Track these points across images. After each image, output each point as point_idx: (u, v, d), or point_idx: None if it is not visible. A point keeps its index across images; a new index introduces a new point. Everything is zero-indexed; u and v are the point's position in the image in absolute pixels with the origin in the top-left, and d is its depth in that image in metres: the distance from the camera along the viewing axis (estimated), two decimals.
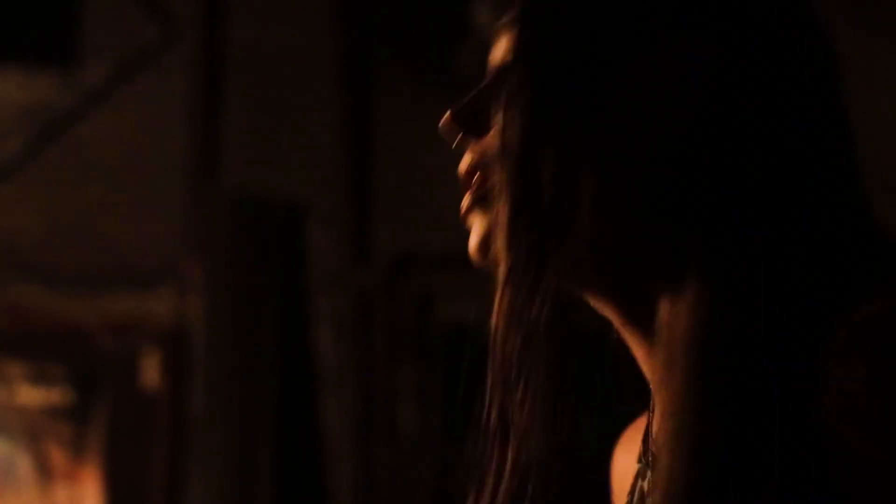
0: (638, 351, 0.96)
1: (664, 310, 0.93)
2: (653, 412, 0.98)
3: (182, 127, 5.13)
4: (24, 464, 5.55)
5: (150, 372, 5.45)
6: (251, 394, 4.08)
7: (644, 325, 0.96)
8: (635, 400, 1.13)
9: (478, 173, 0.99)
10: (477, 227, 1.00)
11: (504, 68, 0.99)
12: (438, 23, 5.60)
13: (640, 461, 1.01)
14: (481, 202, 0.98)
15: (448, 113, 1.02)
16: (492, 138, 0.97)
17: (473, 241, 1.01)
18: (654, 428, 0.94)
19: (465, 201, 1.00)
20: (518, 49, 0.97)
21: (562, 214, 0.91)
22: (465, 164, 1.01)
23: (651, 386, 0.96)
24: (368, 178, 5.28)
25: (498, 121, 0.95)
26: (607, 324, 1.02)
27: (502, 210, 0.93)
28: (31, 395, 5.64)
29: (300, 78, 5.63)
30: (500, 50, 1.03)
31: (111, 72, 5.22)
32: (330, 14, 5.44)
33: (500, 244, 0.94)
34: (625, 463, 1.09)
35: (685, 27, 0.93)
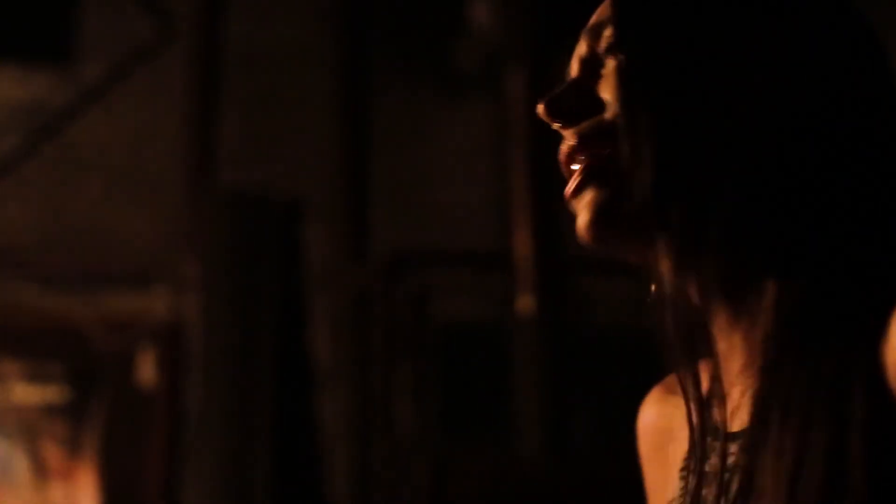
0: (724, 320, 0.98)
1: (764, 292, 0.96)
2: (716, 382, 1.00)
3: (179, 124, 5.13)
4: (20, 462, 5.55)
5: (147, 369, 5.45)
6: (247, 391, 4.07)
7: (735, 303, 0.99)
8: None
9: (586, 152, 1.02)
10: (590, 203, 1.02)
11: (615, 49, 1.03)
12: (435, 21, 5.60)
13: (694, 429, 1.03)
14: (593, 179, 1.01)
15: (542, 104, 1.06)
16: (609, 115, 1.01)
17: (587, 217, 1.02)
18: (734, 393, 0.96)
19: (574, 182, 1.03)
20: (640, 38, 1.01)
21: (708, 194, 0.96)
22: (570, 141, 1.04)
23: (720, 360, 0.98)
24: (365, 176, 5.29)
25: (616, 98, 1.01)
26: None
27: (644, 178, 0.97)
28: (27, 394, 5.64)
29: (297, 76, 5.63)
30: (579, 50, 1.08)
31: (108, 69, 5.22)
32: (327, 12, 5.44)
33: (648, 211, 0.97)
34: (656, 418, 1.16)
35: (787, 22, 0.99)
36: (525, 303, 4.76)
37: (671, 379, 1.09)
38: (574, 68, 1.07)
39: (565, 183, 1.05)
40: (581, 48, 1.07)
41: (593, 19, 1.08)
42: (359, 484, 4.81)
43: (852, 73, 0.97)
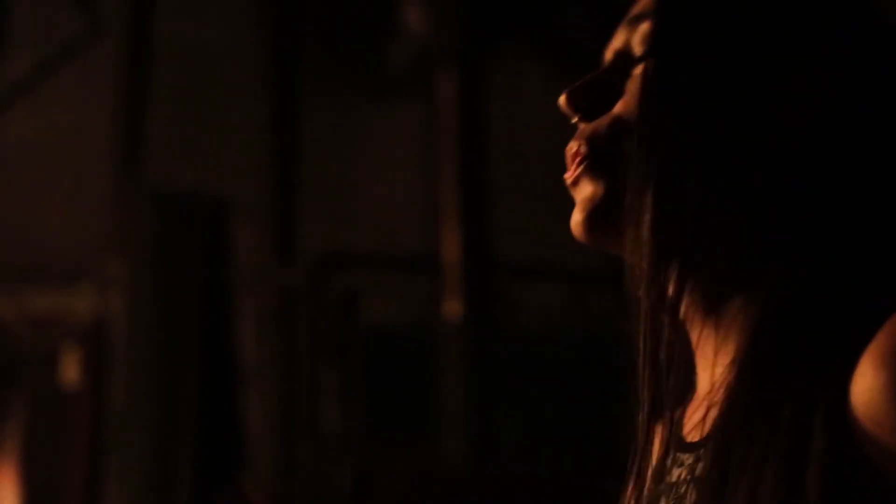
0: (699, 330, 0.98)
1: (743, 308, 0.96)
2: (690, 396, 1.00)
3: (106, 121, 5.10)
4: None
5: (70, 368, 5.40)
6: (172, 391, 4.05)
7: (718, 308, 0.98)
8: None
9: (592, 142, 1.01)
10: (585, 200, 1.01)
11: (642, 55, 1.02)
12: (366, 23, 5.60)
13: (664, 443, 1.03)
14: (590, 172, 1.01)
15: (564, 94, 1.04)
16: (625, 113, 1.00)
17: (582, 213, 1.01)
18: (701, 406, 0.96)
19: (574, 171, 1.02)
20: (668, 39, 1.00)
21: (710, 196, 0.96)
22: (581, 136, 1.03)
23: (700, 368, 0.98)
24: (294, 175, 5.27)
25: (640, 99, 0.99)
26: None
27: (645, 181, 0.96)
28: None
29: (226, 74, 5.61)
30: (617, 40, 1.06)
31: (35, 65, 5.17)
32: (257, 10, 5.42)
33: (646, 219, 0.96)
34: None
35: (816, 34, 0.98)
36: (452, 306, 4.77)
37: None
38: (607, 57, 1.06)
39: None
40: (618, 39, 1.05)
41: (635, 9, 1.05)
42: (282, 484, 4.79)
43: (883, 94, 0.97)
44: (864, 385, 0.83)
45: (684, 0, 1.00)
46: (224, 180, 5.11)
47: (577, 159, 1.01)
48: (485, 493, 4.61)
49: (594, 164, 1.00)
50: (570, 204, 1.03)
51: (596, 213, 1.00)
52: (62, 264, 5.44)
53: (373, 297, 5.24)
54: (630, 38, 1.04)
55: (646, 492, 1.00)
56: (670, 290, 0.97)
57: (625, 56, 1.04)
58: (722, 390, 0.93)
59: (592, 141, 1.01)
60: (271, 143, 5.29)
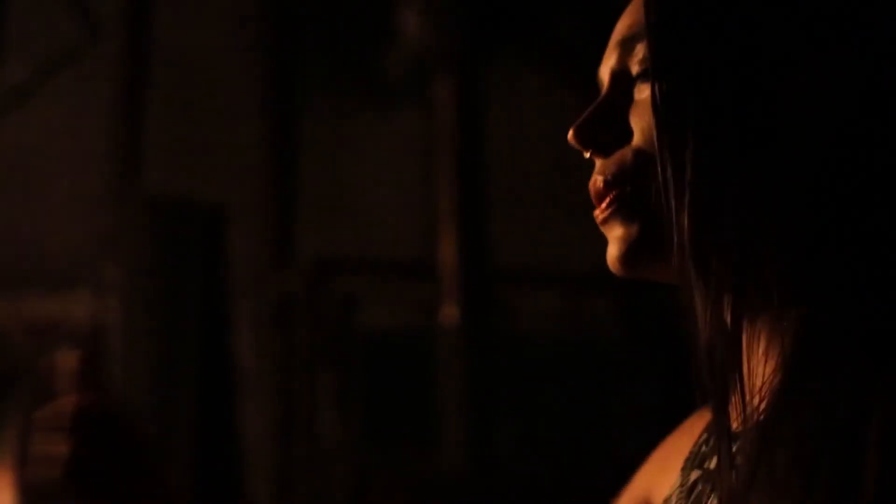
0: (747, 350, 0.98)
1: (790, 315, 0.95)
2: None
3: (103, 127, 5.09)
4: None
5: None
6: (169, 397, 4.05)
7: (765, 313, 0.97)
8: None
9: (612, 184, 1.00)
10: (620, 239, 1.00)
11: (642, 76, 1.00)
12: (363, 29, 5.60)
13: (707, 430, 1.04)
14: (623, 212, 1.00)
15: (572, 129, 1.02)
16: (646, 147, 0.98)
17: (618, 252, 1.00)
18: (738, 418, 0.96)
19: (603, 213, 1.01)
20: (668, 59, 0.97)
21: (745, 230, 0.94)
22: (603, 173, 1.01)
23: (742, 368, 0.98)
24: (291, 181, 5.27)
25: (647, 133, 0.98)
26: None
27: (683, 225, 0.94)
28: None
29: (223, 80, 5.61)
30: (610, 61, 1.04)
31: (32, 70, 5.17)
32: (255, 17, 5.42)
33: (685, 258, 0.94)
34: (686, 442, 1.11)
35: (826, 43, 0.96)
36: (449, 312, 4.77)
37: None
38: (604, 80, 1.04)
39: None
40: (611, 59, 1.04)
41: (624, 29, 1.03)
42: (279, 491, 4.79)
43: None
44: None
45: (679, 14, 0.97)
46: (221, 186, 5.11)
47: (607, 200, 1.00)
48: (482, 497, 4.61)
49: (624, 205, 0.99)
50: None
51: (632, 252, 0.99)
52: (59, 269, 5.43)
53: (370, 303, 5.24)
54: (626, 59, 1.02)
55: (690, 477, 1.00)
56: (728, 319, 0.96)
57: (623, 78, 1.02)
58: (768, 386, 0.93)
59: (619, 180, 1.00)
60: (268, 149, 5.29)
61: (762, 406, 0.93)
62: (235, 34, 5.50)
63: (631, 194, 0.99)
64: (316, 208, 5.42)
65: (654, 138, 0.96)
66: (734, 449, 0.94)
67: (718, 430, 0.97)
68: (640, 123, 0.99)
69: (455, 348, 4.74)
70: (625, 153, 1.00)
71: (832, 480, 0.84)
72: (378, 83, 5.70)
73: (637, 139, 0.99)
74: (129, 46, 5.08)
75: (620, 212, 1.00)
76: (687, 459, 1.06)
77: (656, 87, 0.96)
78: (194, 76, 5.61)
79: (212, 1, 5.62)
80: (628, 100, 1.01)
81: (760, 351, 0.97)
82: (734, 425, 0.96)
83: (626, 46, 1.02)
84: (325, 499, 4.72)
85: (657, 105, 0.96)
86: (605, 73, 1.04)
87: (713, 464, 0.99)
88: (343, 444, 4.87)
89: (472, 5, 5.11)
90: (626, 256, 1.00)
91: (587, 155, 1.03)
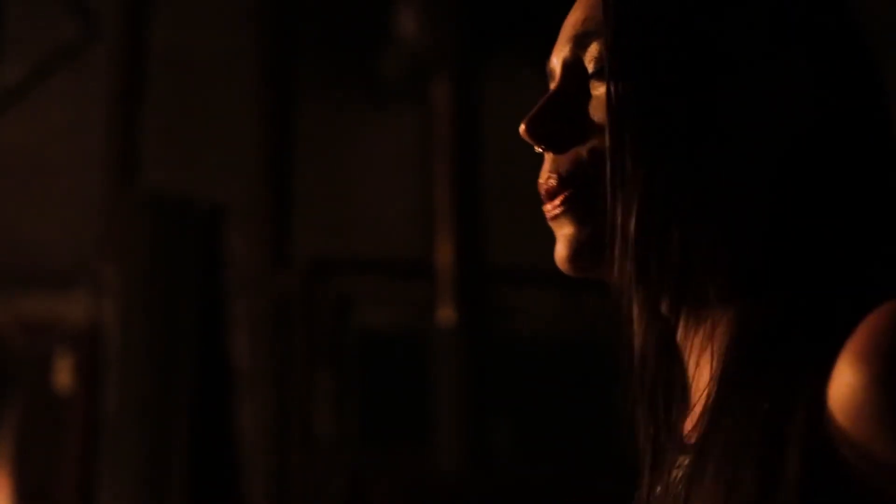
0: (688, 338, 0.98)
1: (727, 314, 0.96)
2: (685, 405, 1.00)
3: (101, 126, 5.09)
4: None
5: (64, 373, 5.40)
6: (165, 396, 4.05)
7: (703, 316, 0.98)
8: None
9: (566, 182, 0.99)
10: (569, 239, 0.99)
11: (595, 74, 1.00)
12: (361, 29, 5.60)
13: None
14: (574, 212, 0.99)
15: (525, 122, 1.01)
16: (599, 149, 0.98)
17: (565, 251, 1.00)
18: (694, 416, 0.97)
19: (557, 209, 0.99)
20: (622, 55, 0.97)
21: (691, 228, 0.94)
22: (556, 172, 1.00)
23: (692, 373, 0.97)
24: (288, 181, 5.27)
25: (597, 133, 0.97)
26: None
27: (629, 226, 0.94)
28: None
29: (221, 80, 5.61)
30: (563, 53, 1.03)
31: (30, 69, 5.17)
32: (253, 17, 5.42)
33: (623, 255, 0.95)
34: None
35: (780, 38, 0.96)
36: (446, 312, 4.77)
37: None
38: (556, 72, 1.03)
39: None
40: (564, 51, 1.02)
41: (578, 24, 1.01)
42: (276, 490, 4.79)
43: (850, 109, 0.96)
44: (841, 383, 0.83)
45: (637, 17, 0.97)
46: (218, 186, 5.11)
47: (560, 198, 0.99)
48: (479, 497, 4.61)
49: (577, 205, 0.98)
50: None
51: (580, 251, 0.99)
52: (56, 269, 5.44)
53: (367, 303, 5.24)
54: (580, 53, 1.01)
55: (652, 494, 1.00)
56: (665, 312, 0.98)
57: (577, 71, 1.01)
58: (707, 392, 0.94)
59: (572, 179, 0.99)
60: (266, 149, 5.29)
61: (702, 418, 0.93)
62: (233, 35, 5.51)
63: (585, 194, 0.98)
64: (313, 209, 5.43)
65: (608, 138, 0.96)
66: (688, 461, 0.94)
67: (645, 442, 0.99)
68: (592, 124, 0.98)
69: (452, 348, 4.75)
70: (580, 151, 0.99)
71: (753, 483, 0.85)
72: (376, 84, 5.71)
73: (589, 141, 0.98)
74: (127, 46, 5.08)
75: (572, 211, 0.99)
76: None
77: (612, 88, 0.96)
78: (192, 76, 5.61)
79: (210, 1, 5.62)
80: (583, 95, 1.00)
81: (699, 361, 0.97)
82: (688, 437, 0.96)
83: (580, 42, 1.01)
84: (321, 499, 4.72)
85: (612, 105, 0.96)
86: (556, 64, 1.03)
87: (673, 477, 0.97)
88: (340, 444, 4.87)
89: (469, 7, 5.11)
90: (576, 256, 0.99)
91: (538, 149, 1.02)
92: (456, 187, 4.94)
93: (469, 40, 5.09)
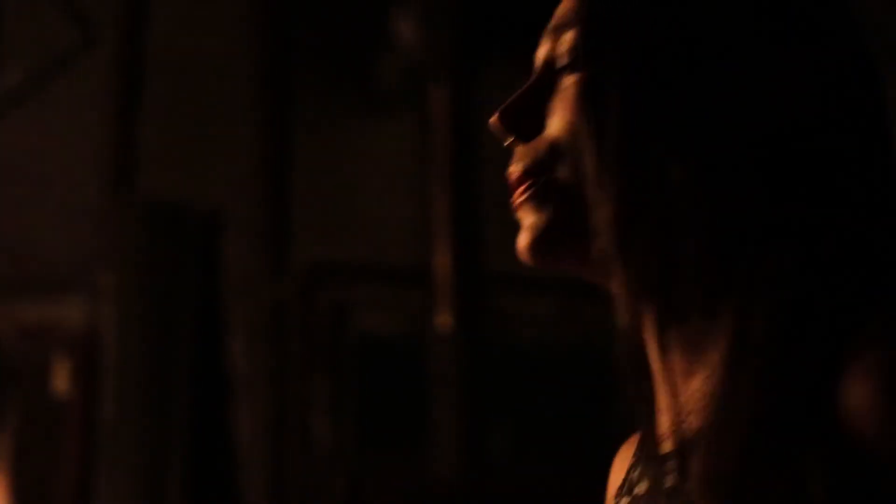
0: (662, 349, 0.96)
1: (723, 318, 0.93)
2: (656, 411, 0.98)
3: (98, 132, 5.09)
4: None
5: (61, 379, 5.40)
6: (162, 402, 4.05)
7: (681, 326, 0.96)
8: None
9: (529, 172, 0.99)
10: (532, 227, 0.99)
11: (570, 66, 0.99)
12: (359, 36, 5.61)
13: (634, 456, 1.02)
14: (535, 200, 0.99)
15: (496, 113, 1.02)
16: (563, 137, 0.98)
17: (527, 240, 1.00)
18: (666, 423, 0.94)
19: (520, 197, 1.00)
20: (597, 48, 0.97)
21: (675, 217, 0.93)
22: (521, 162, 1.00)
23: (665, 387, 0.95)
24: (285, 187, 5.27)
25: (574, 120, 0.96)
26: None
27: (606, 211, 0.93)
28: None
29: (218, 86, 5.61)
30: (544, 47, 1.02)
31: (28, 75, 5.17)
32: (250, 23, 5.42)
33: (611, 243, 0.94)
34: (620, 472, 1.09)
35: (766, 35, 0.95)
36: (443, 318, 4.77)
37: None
38: (536, 66, 1.03)
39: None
40: (545, 46, 1.02)
41: (556, 18, 1.01)
42: (274, 497, 4.79)
43: (836, 107, 0.94)
44: (856, 394, 0.82)
45: (609, 6, 0.97)
46: (216, 192, 5.11)
47: (521, 188, 0.99)
48: (476, 503, 4.61)
49: (535, 194, 0.98)
50: None
51: (540, 241, 0.99)
52: (53, 275, 5.43)
53: (364, 310, 5.24)
54: (555, 47, 1.01)
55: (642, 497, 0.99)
56: (647, 323, 0.96)
57: (551, 66, 1.01)
58: (701, 401, 0.91)
59: (535, 170, 0.99)
60: (263, 156, 5.29)
61: (692, 425, 0.92)
62: (231, 41, 5.51)
63: (544, 184, 0.98)
64: (310, 215, 5.43)
65: (572, 129, 0.96)
66: (660, 471, 0.93)
67: (644, 449, 0.97)
68: (558, 114, 0.98)
69: (449, 355, 4.75)
70: (540, 143, 0.99)
71: (782, 498, 0.83)
72: (373, 90, 5.71)
73: (552, 130, 0.98)
74: (125, 52, 5.08)
75: (533, 200, 0.99)
76: (620, 487, 1.04)
77: (581, 77, 0.96)
78: (189, 82, 5.61)
79: (207, 7, 5.62)
80: (554, 88, 1.00)
81: (685, 366, 0.95)
82: (666, 444, 0.95)
83: (556, 33, 1.01)
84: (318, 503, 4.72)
85: (583, 94, 0.96)
86: (538, 59, 1.03)
87: (642, 489, 0.97)
88: (337, 451, 4.87)
89: (467, 13, 5.12)
90: (535, 245, 0.99)
91: (507, 142, 1.02)
92: (454, 194, 4.94)
93: (466, 47, 5.09)
